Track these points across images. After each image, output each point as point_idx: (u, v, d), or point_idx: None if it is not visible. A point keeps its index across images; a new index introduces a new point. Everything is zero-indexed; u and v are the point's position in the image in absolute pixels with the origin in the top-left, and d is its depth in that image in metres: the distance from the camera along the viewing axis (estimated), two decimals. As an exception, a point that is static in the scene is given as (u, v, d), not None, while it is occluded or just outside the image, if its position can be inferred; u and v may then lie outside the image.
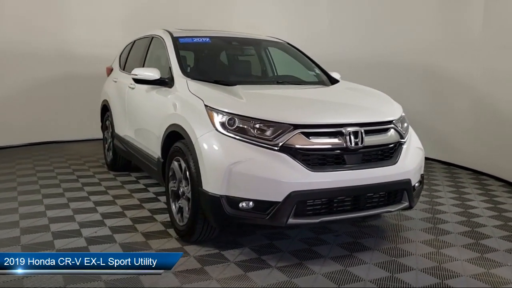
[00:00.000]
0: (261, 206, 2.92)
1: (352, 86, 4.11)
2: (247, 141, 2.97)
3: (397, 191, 3.29)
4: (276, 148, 2.94)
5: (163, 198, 4.52)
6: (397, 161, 3.26)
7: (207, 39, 4.46)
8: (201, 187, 3.06)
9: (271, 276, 2.90)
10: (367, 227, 3.84)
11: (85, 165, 6.03)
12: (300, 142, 2.97)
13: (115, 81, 5.42)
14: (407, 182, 3.28)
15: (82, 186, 4.95)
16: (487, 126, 5.79)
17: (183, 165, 3.33)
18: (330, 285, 2.81)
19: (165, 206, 4.25)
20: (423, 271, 3.02)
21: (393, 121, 3.37)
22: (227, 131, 3.02)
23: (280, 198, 2.88)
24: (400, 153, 3.33)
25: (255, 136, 2.99)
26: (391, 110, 3.49)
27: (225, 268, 3.01)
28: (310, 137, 2.99)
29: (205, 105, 3.20)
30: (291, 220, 2.92)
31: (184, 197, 3.41)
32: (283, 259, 3.15)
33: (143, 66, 4.70)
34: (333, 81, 4.25)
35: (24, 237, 3.45)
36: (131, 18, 7.89)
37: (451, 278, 2.93)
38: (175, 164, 3.50)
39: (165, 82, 3.88)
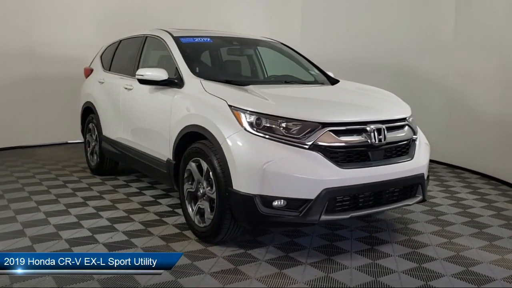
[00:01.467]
0: (294, 204, 2.96)
1: (356, 85, 4.23)
2: (277, 140, 3.00)
3: (413, 185, 3.43)
4: (306, 146, 2.99)
5: (163, 201, 4.45)
6: (413, 156, 3.41)
7: (208, 39, 4.43)
8: (231, 187, 3.05)
9: (307, 272, 2.95)
10: (375, 221, 3.97)
11: (65, 170, 5.79)
12: (329, 140, 3.03)
13: (102, 82, 5.25)
14: (422, 176, 3.44)
15: (74, 191, 4.76)
16: (461, 124, 6.13)
17: (204, 166, 3.30)
18: (366, 278, 2.89)
19: (169, 209, 4.20)
20: (446, 260, 3.17)
21: (407, 118, 3.52)
22: (256, 131, 3.04)
23: (313, 196, 2.93)
24: (415, 148, 3.48)
25: (283, 135, 3.02)
26: (403, 108, 3.64)
27: (258, 267, 3.02)
28: (338, 135, 3.07)
29: (230, 105, 3.19)
30: (323, 217, 2.98)
31: (204, 198, 3.39)
32: (311, 256, 3.20)
33: (137, 67, 4.59)
34: (333, 80, 4.35)
35: (37, 246, 3.29)
36: (102, 18, 7.66)
37: (473, 265, 3.10)
38: (192, 165, 3.47)
39: (174, 82, 3.83)
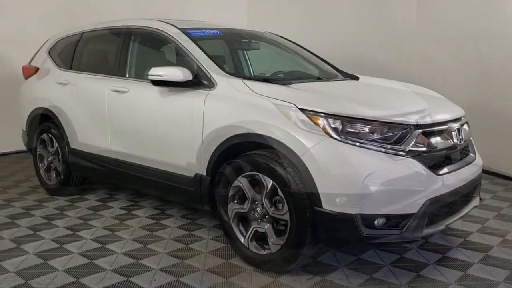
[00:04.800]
0: (395, 220, 2.58)
1: (381, 80, 3.93)
2: (370, 148, 2.59)
3: (477, 186, 3.26)
4: (403, 153, 2.62)
5: (167, 221, 3.77)
6: (476, 156, 3.22)
7: (217, 32, 3.82)
8: (320, 206, 2.58)
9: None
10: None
11: (9, 192, 4.72)
12: (422, 144, 2.70)
13: (65, 84, 4.31)
14: (481, 176, 3.28)
15: (48, 220, 3.84)
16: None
17: (267, 182, 2.77)
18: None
19: (185, 232, 3.55)
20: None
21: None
22: (345, 138, 2.59)
23: (414, 209, 2.58)
24: (473, 146, 3.30)
25: (376, 141, 2.62)
26: (455, 104, 3.43)
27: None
28: (429, 138, 2.75)
29: (302, 109, 2.69)
30: (425, 231, 2.65)
31: (265, 219, 2.86)
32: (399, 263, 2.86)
33: (127, 66, 3.83)
34: (347, 75, 4.01)
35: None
36: (24, 7, 6.47)
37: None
38: (243, 181, 2.91)
39: (201, 83, 3.20)
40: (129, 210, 4.11)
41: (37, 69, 4.83)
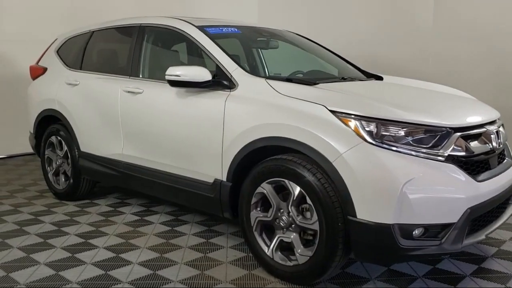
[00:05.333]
0: (433, 231, 2.40)
1: (404, 79, 3.74)
2: (407, 153, 2.40)
3: (511, 192, 3.07)
4: (442, 158, 2.44)
5: (182, 228, 3.59)
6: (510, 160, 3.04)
7: (235, 29, 3.64)
8: (353, 215, 2.40)
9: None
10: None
11: (17, 197, 4.55)
12: (462, 148, 2.52)
13: (75, 84, 4.15)
14: (514, 181, 3.09)
15: (58, 227, 3.67)
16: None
17: (294, 188, 2.60)
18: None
19: (202, 240, 3.38)
20: None
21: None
22: (381, 142, 2.41)
23: (454, 218, 2.39)
24: (509, 151, 3.11)
25: (412, 145, 2.43)
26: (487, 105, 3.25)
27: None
28: (469, 141, 2.56)
29: (333, 111, 2.51)
30: (465, 242, 2.47)
31: (291, 228, 2.68)
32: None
33: (140, 66, 3.66)
34: (369, 74, 3.82)
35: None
36: (32, 6, 6.32)
37: None
38: (267, 188, 2.73)
39: (221, 83, 3.03)
40: (141, 216, 3.94)
41: (45, 69, 4.67)
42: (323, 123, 2.51)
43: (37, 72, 4.74)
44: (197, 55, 3.44)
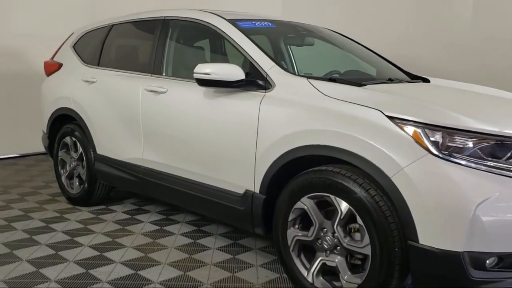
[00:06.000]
0: (509, 260, 2.04)
1: (457, 83, 3.36)
2: (480, 168, 2.04)
3: None
4: (519, 175, 2.07)
5: (206, 241, 3.26)
6: None
7: (269, 24, 3.31)
8: (415, 240, 2.05)
9: None
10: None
11: (28, 200, 4.27)
12: (540, 163, 2.15)
13: (92, 82, 3.85)
14: None
15: (71, 237, 3.37)
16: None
17: (342, 205, 2.26)
18: None
19: (227, 256, 3.05)
20: None
21: None
22: (448, 155, 2.05)
23: (535, 246, 2.03)
24: None
25: (484, 159, 2.07)
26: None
27: None
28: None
29: (390, 117, 2.16)
30: (545, 273, 2.10)
31: (336, 251, 2.34)
32: None
33: (162, 63, 3.34)
34: (413, 76, 3.46)
35: None
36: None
37: None
38: (308, 203, 2.39)
39: (256, 83, 2.70)
40: (160, 225, 3.63)
41: (60, 65, 4.38)
42: (379, 130, 2.17)
43: (52, 68, 4.46)
44: (227, 51, 3.12)
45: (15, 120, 5.95)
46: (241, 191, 2.75)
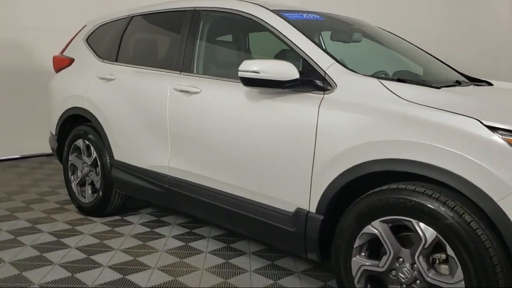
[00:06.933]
0: None
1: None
2: None
3: None
4: None
5: (240, 261, 2.89)
6: None
7: (317, 16, 2.92)
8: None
9: None
10: None
11: (34, 209, 3.86)
12: None
13: (110, 79, 3.45)
14: None
15: (87, 254, 2.97)
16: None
17: (424, 232, 1.88)
18: None
19: (269, 280, 2.67)
20: None
21: None
22: None
23: None
24: None
25: None
26: None
27: None
28: None
29: (490, 127, 1.78)
30: None
31: (416, 285, 1.96)
32: None
33: (193, 59, 2.95)
34: (472, 79, 3.09)
35: None
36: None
37: None
38: (381, 228, 2.02)
39: (313, 83, 2.31)
40: (185, 241, 3.24)
41: (71, 61, 3.98)
42: (477, 143, 1.79)
43: (62, 63, 4.06)
44: (271, 47, 2.73)
45: (17, 119, 5.55)
46: (291, 209, 2.37)
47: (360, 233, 2.09)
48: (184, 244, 3.19)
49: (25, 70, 5.48)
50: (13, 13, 5.37)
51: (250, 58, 2.93)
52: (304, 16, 2.77)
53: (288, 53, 2.63)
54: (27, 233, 3.30)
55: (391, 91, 2.09)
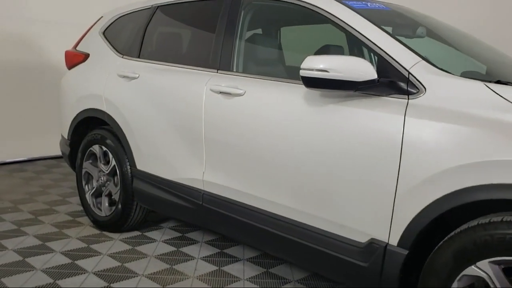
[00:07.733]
0: None
1: None
2: None
3: None
4: None
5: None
6: None
7: (384, 6, 2.49)
8: None
9: None
10: None
11: (43, 222, 3.44)
12: None
13: (133, 77, 3.02)
14: None
15: (107, 282, 2.55)
16: None
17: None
18: None
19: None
20: None
21: None
22: None
23: None
24: None
25: None
26: None
27: None
28: None
29: None
30: None
31: None
32: None
33: (232, 55, 2.51)
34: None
35: None
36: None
37: None
38: (489, 270, 1.59)
39: (395, 85, 1.88)
40: (218, 264, 2.81)
41: (86, 56, 3.55)
42: None
43: (75, 59, 3.64)
44: (333, 41, 2.30)
45: (24, 119, 5.13)
46: (363, 240, 1.94)
47: (461, 275, 1.65)
48: (217, 268, 2.76)
49: (31, 66, 5.07)
50: (19, 5, 4.95)
51: (301, 54, 2.49)
52: (368, 5, 2.34)
53: (333, 48, 2.21)
54: (37, 253, 2.88)
55: (502, 97, 1.66)
